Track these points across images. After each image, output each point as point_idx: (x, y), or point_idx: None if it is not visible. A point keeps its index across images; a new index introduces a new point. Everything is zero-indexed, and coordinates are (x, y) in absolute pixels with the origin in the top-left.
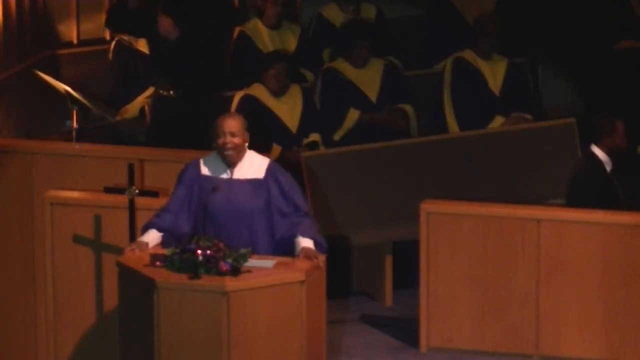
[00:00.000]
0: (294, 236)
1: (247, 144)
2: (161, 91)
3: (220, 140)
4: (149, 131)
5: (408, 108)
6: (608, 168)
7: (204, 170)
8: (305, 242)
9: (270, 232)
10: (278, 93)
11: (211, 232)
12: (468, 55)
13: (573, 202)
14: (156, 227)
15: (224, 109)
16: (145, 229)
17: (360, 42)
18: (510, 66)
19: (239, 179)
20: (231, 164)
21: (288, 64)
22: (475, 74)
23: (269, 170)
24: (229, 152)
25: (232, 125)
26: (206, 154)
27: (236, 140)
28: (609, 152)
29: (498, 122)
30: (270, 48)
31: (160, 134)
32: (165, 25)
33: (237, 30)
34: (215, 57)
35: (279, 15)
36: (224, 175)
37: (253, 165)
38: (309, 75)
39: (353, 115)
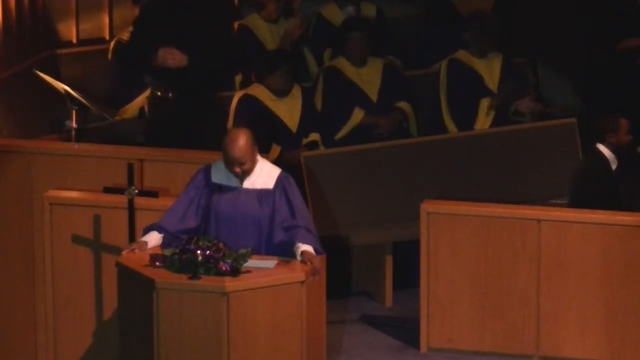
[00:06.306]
0: (292, 243)
1: (257, 156)
2: (158, 93)
3: (230, 168)
4: (147, 131)
5: (405, 106)
6: (613, 166)
7: (215, 178)
8: (305, 247)
9: (272, 240)
10: (281, 94)
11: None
12: (462, 55)
13: (577, 199)
14: (158, 228)
15: (223, 109)
16: (146, 231)
17: (355, 35)
18: (505, 61)
19: (248, 188)
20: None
21: (293, 65)
22: (471, 74)
23: (278, 181)
24: (241, 176)
25: (240, 155)
26: (204, 155)
27: (246, 166)
28: (614, 150)
29: (484, 103)
30: (270, 41)
31: (159, 133)
32: None
33: (236, 24)
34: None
35: (278, 9)
36: (234, 184)
37: (263, 175)
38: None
39: (358, 115)
